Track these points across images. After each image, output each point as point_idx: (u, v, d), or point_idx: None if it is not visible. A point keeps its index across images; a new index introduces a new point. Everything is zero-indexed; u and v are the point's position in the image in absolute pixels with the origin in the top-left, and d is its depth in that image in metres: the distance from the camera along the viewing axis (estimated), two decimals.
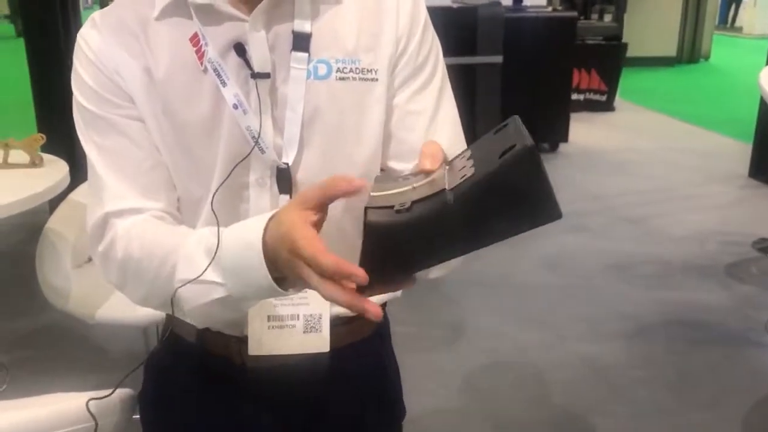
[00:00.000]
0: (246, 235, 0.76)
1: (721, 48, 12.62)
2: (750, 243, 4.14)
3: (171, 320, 1.03)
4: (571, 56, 6.20)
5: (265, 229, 0.74)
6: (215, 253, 0.79)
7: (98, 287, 1.93)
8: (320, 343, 0.96)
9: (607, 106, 7.85)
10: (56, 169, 2.23)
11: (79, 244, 2.02)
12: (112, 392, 1.00)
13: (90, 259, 2.09)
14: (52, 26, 4.28)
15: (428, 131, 0.94)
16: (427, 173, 0.68)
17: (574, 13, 6.19)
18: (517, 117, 0.68)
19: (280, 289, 0.75)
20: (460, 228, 0.62)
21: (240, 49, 0.87)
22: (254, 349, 0.96)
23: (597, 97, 7.84)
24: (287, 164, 0.90)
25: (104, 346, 3.01)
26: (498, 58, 5.43)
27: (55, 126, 3.65)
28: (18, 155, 2.29)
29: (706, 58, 12.16)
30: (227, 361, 0.99)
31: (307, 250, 0.67)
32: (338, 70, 0.90)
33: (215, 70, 0.87)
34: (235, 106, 0.87)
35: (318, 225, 0.71)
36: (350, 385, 1.04)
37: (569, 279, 3.76)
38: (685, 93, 9.55)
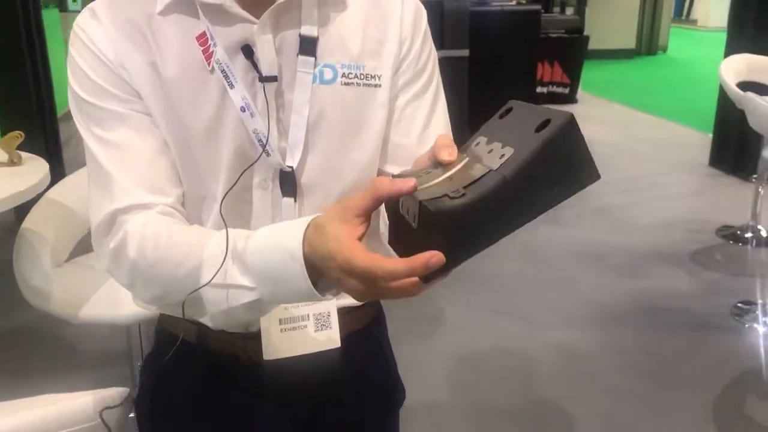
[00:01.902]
0: (284, 243, 0.75)
1: (677, 40, 12.88)
2: (714, 230, 4.25)
3: (166, 321, 1.03)
4: (536, 49, 6.28)
5: (305, 238, 0.73)
6: (243, 260, 0.78)
7: (79, 286, 1.91)
8: (331, 339, 0.97)
9: (570, 99, 7.97)
10: (36, 168, 2.19)
11: (58, 243, 1.99)
12: (122, 402, 0.98)
13: (69, 258, 2.06)
14: (11, 7, 4.13)
15: (422, 136, 0.96)
16: (446, 165, 0.69)
17: (538, 7, 6.26)
18: (516, 101, 0.73)
19: (319, 295, 0.75)
20: (518, 202, 0.65)
21: (248, 51, 0.87)
22: (270, 353, 0.95)
23: (560, 89, 7.95)
24: (291, 167, 0.90)
25: (80, 346, 2.98)
26: (464, 52, 5.47)
27: (22, 122, 3.59)
28: None
29: (664, 50, 12.41)
30: (232, 359, 0.98)
31: (367, 267, 0.66)
32: (343, 75, 0.91)
33: (223, 71, 0.87)
34: (243, 109, 0.87)
35: (363, 236, 0.70)
36: (356, 374, 1.05)
37: (542, 269, 3.82)
38: (645, 85, 9.73)
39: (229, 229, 0.82)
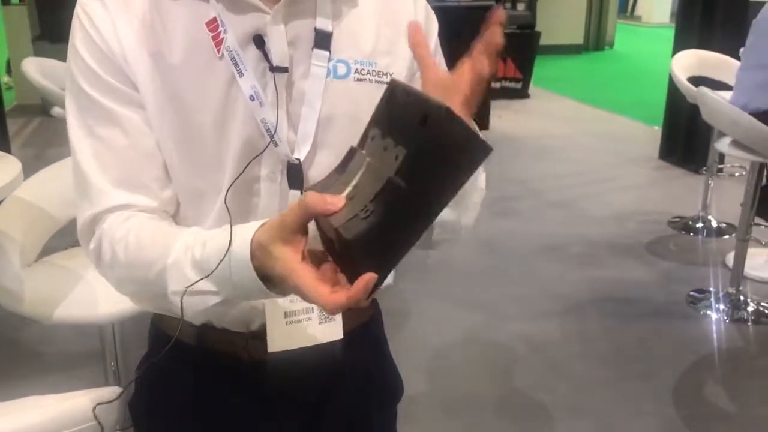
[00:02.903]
0: (237, 256, 0.75)
1: (623, 36, 13.18)
2: (666, 221, 4.39)
3: (160, 321, 1.01)
4: None
5: (252, 255, 0.74)
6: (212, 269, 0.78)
7: (52, 286, 1.87)
8: (335, 331, 0.98)
9: (523, 94, 8.10)
10: (8, 167, 2.13)
11: (26, 242, 1.95)
12: (119, 396, 0.98)
13: (38, 258, 2.02)
14: None
15: None
16: (344, 166, 0.74)
17: (492, 2, 6.33)
18: (395, 80, 0.76)
19: (274, 294, 0.76)
20: (421, 199, 0.68)
21: (259, 40, 0.87)
22: (273, 345, 0.95)
23: (513, 84, 8.06)
24: (299, 160, 0.90)
25: (42, 349, 2.91)
26: None
27: None
28: None
29: (611, 45, 12.68)
30: (232, 358, 0.98)
31: (315, 299, 0.69)
32: (357, 71, 0.91)
33: (233, 59, 0.86)
34: (252, 98, 0.86)
35: (305, 248, 0.72)
36: (357, 369, 1.06)
37: (503, 261, 3.89)
38: (594, 79, 9.94)
39: (187, 233, 0.82)
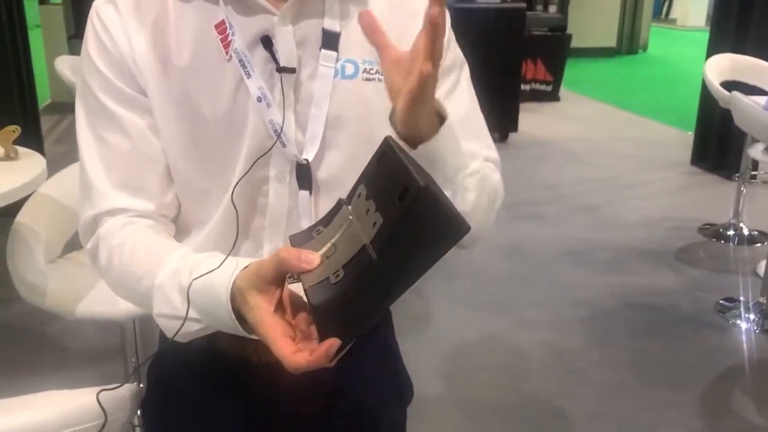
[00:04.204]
0: (216, 293, 0.75)
1: (657, 39, 13.00)
2: (696, 228, 4.31)
3: None
4: (520, 47, 6.30)
5: (232, 296, 0.74)
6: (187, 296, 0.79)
7: (75, 282, 1.90)
8: None
9: (553, 96, 8.02)
10: (33, 163, 2.16)
11: (51, 238, 1.97)
12: (122, 384, 0.98)
13: (62, 254, 2.05)
14: None
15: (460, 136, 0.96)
16: (329, 218, 0.73)
17: (523, 4, 6.28)
18: (389, 140, 0.73)
19: (253, 337, 0.76)
20: (391, 274, 0.67)
21: (267, 42, 0.87)
22: None
23: (543, 87, 8.00)
24: (307, 160, 0.90)
25: (67, 343, 2.95)
26: None
27: (6, 116, 3.54)
28: None
29: (645, 49, 12.52)
30: (242, 361, 0.98)
31: (278, 355, 0.69)
32: (365, 70, 0.91)
33: (240, 60, 0.87)
34: (259, 99, 0.87)
35: (280, 298, 0.72)
36: (364, 373, 1.05)
37: (527, 266, 3.85)
38: (626, 83, 9.82)
39: (176, 255, 0.83)
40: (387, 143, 0.74)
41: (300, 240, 0.74)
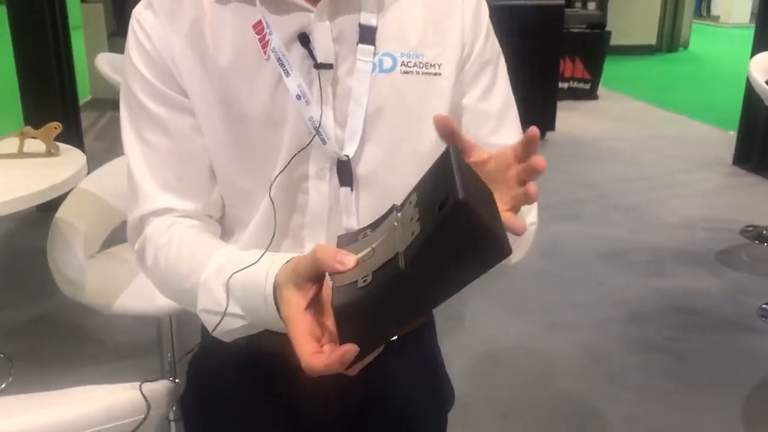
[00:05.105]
0: (258, 287, 0.75)
1: (699, 36, 12.76)
2: (738, 230, 4.22)
3: None
4: (559, 44, 6.23)
5: (274, 290, 0.74)
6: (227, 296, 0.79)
7: (113, 277, 1.92)
8: None
9: (591, 95, 7.93)
10: (74, 159, 2.20)
11: (90, 233, 2.00)
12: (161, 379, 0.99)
13: (101, 249, 2.07)
14: None
15: (496, 130, 0.96)
16: (379, 222, 0.70)
17: (562, 2, 6.21)
18: (451, 148, 0.67)
19: None
20: (418, 286, 0.63)
21: (304, 39, 0.87)
22: None
23: (581, 85, 7.90)
24: (348, 156, 0.90)
25: (103, 337, 3.00)
26: None
27: (46, 113, 3.61)
28: (34, 144, 2.24)
29: (685, 46, 12.29)
30: (282, 360, 0.98)
31: (297, 352, 0.68)
32: (403, 63, 0.90)
33: (279, 59, 0.87)
34: (298, 97, 0.87)
35: (315, 297, 0.71)
36: (405, 377, 1.04)
37: (564, 266, 3.80)
38: (666, 81, 9.65)
39: (221, 253, 0.83)
40: (446, 150, 0.69)
41: (346, 241, 0.72)
